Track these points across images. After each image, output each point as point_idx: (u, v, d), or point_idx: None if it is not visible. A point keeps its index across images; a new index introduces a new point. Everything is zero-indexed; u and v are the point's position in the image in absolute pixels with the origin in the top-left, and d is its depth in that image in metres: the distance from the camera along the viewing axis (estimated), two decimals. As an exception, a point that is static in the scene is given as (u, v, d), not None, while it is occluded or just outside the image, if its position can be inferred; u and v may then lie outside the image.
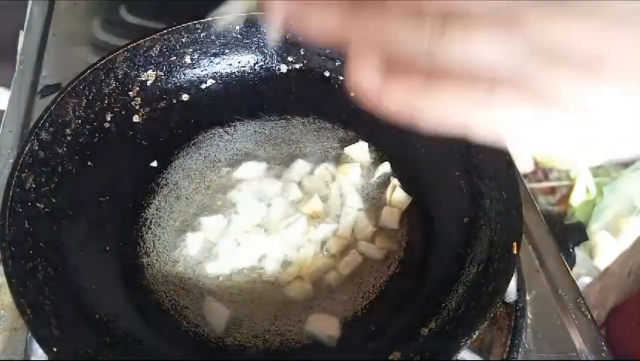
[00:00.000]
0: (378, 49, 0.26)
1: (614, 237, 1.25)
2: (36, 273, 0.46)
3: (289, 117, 0.65)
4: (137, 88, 0.62)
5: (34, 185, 0.51)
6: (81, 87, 0.57)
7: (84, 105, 0.57)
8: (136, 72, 0.61)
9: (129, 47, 0.61)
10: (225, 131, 0.65)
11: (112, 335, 0.46)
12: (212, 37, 0.64)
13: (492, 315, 0.44)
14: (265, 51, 0.66)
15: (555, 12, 0.25)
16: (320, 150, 0.63)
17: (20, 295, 0.43)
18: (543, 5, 0.25)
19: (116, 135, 0.60)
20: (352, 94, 0.27)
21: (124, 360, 0.45)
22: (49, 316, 0.43)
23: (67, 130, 0.56)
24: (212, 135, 0.64)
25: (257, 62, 0.66)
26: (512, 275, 0.47)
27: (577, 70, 0.24)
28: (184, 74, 0.65)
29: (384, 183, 0.60)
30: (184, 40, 0.63)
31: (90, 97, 0.58)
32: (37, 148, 0.52)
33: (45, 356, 0.46)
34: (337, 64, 0.65)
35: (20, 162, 0.50)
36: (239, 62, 0.66)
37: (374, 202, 0.59)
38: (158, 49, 0.62)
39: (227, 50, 0.66)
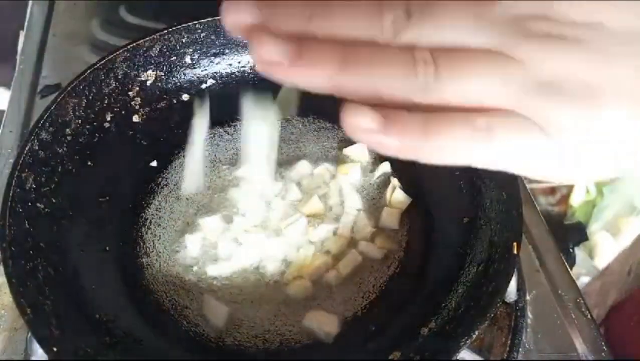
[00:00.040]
0: (373, 96, 0.26)
1: (613, 236, 1.25)
2: (36, 273, 0.46)
3: (289, 117, 0.66)
4: (137, 88, 0.62)
5: (34, 185, 0.51)
6: (81, 87, 0.57)
7: (84, 105, 0.57)
8: (136, 72, 0.61)
9: (129, 47, 0.61)
10: (225, 131, 0.65)
11: (112, 335, 0.46)
12: (212, 37, 0.64)
13: (492, 315, 0.44)
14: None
15: (550, 45, 0.25)
16: (320, 150, 0.63)
17: (20, 295, 0.43)
18: (537, 39, 0.25)
19: (116, 135, 0.60)
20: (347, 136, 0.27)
21: (124, 360, 0.45)
22: (49, 316, 0.43)
23: (67, 130, 0.56)
24: (212, 135, 0.64)
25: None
26: (512, 275, 0.47)
27: (576, 100, 0.25)
28: (184, 74, 0.65)
29: (384, 183, 0.60)
30: (184, 40, 0.63)
31: (90, 97, 0.58)
32: (37, 148, 0.52)
33: (45, 356, 0.46)
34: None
35: (20, 162, 0.50)
36: (239, 62, 0.66)
37: (374, 202, 0.59)
38: (158, 49, 0.62)
39: (227, 50, 0.66)
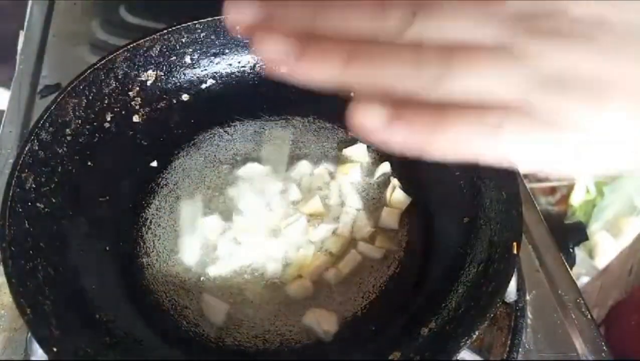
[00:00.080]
0: (381, 92, 0.26)
1: (613, 237, 1.25)
2: (36, 273, 0.46)
3: (289, 117, 0.66)
4: (137, 88, 0.62)
5: (34, 185, 0.51)
6: (81, 87, 0.57)
7: (84, 105, 0.57)
8: (136, 72, 0.61)
9: (129, 47, 0.60)
10: (225, 131, 0.65)
11: (112, 335, 0.46)
12: (212, 37, 0.64)
13: (492, 315, 0.44)
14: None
15: (558, 42, 0.25)
16: (320, 150, 0.63)
17: (20, 295, 0.43)
18: (545, 36, 0.25)
19: (116, 135, 0.60)
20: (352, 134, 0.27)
21: (124, 360, 0.45)
22: (49, 316, 0.43)
23: (67, 130, 0.56)
24: (212, 135, 0.64)
25: (257, 62, 0.66)
26: (512, 275, 0.47)
27: (583, 94, 0.25)
28: (184, 74, 0.65)
29: (384, 183, 0.60)
30: (184, 40, 0.63)
31: (90, 97, 0.58)
32: (37, 148, 0.52)
33: (45, 356, 0.46)
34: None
35: (20, 162, 0.50)
36: (239, 62, 0.66)
37: (374, 202, 0.59)
38: (158, 49, 0.62)
39: (227, 50, 0.66)
